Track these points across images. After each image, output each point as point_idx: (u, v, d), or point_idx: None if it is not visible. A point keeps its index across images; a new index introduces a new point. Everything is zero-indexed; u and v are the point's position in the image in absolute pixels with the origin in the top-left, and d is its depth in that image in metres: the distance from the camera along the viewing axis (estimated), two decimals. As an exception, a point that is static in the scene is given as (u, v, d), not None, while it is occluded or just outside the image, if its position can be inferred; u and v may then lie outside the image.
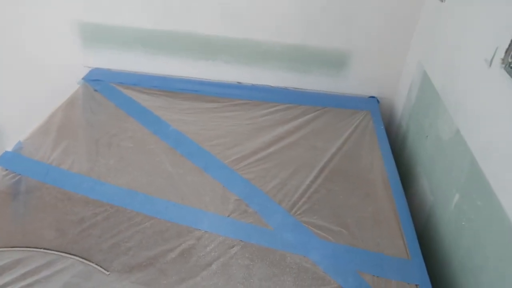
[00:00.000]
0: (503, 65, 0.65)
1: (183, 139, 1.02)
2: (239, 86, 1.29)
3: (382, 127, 1.11)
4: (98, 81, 1.24)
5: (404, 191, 0.90)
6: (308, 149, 1.02)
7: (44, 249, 0.73)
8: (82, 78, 1.25)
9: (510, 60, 0.64)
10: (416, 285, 0.68)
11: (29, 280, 0.65)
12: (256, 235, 0.76)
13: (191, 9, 1.22)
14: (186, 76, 1.31)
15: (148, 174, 0.90)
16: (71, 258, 0.72)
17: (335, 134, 1.07)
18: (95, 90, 1.20)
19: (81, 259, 0.72)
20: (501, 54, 0.66)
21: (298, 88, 1.29)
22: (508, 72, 0.64)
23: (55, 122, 1.03)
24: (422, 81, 1.04)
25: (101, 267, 0.71)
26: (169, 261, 0.72)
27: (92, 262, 0.71)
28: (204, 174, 0.91)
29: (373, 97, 1.27)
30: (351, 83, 1.28)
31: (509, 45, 0.64)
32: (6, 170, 0.86)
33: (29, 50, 1.33)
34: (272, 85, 1.30)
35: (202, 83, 1.28)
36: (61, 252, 0.73)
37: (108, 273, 0.70)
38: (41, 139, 0.97)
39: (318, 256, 0.72)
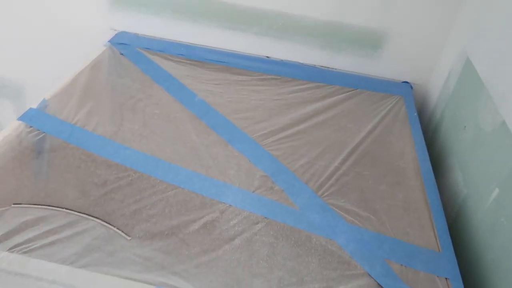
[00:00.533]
0: None
1: (209, 110, 0.99)
2: (268, 61, 1.25)
3: (415, 114, 1.07)
4: (124, 45, 1.21)
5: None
6: (337, 130, 0.98)
7: (67, 209, 0.72)
8: (109, 41, 1.22)
9: None
10: (446, 278, 0.65)
11: (51, 239, 0.65)
12: (282, 214, 0.74)
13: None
14: (214, 46, 1.27)
15: (173, 143, 0.88)
16: (92, 220, 0.71)
17: (365, 117, 1.03)
18: (121, 54, 1.17)
19: (103, 222, 0.70)
20: None
21: (328, 67, 1.25)
22: None
23: (80, 83, 1.01)
24: (464, 68, 0.99)
25: (122, 231, 0.69)
26: (192, 232, 0.70)
27: (114, 226, 0.70)
28: (229, 147, 0.89)
29: (406, 82, 1.22)
30: (384, 66, 1.23)
31: None
32: (31, 127, 0.84)
33: (55, 11, 1.30)
34: (302, 62, 1.25)
35: (230, 54, 1.24)
36: (83, 213, 0.72)
37: (129, 238, 0.68)
38: (66, 99, 0.95)
39: (345, 240, 0.70)
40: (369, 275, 0.65)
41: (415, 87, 1.23)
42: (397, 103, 1.11)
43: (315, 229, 0.72)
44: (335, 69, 1.24)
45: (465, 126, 0.91)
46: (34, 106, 0.90)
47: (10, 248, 0.61)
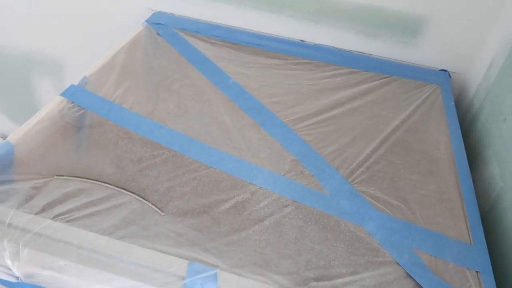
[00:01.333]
0: None
1: (242, 93, 1.00)
2: (302, 45, 1.24)
3: (452, 103, 1.04)
4: (161, 25, 1.23)
5: (469, 173, 0.84)
6: (370, 117, 0.97)
7: (105, 183, 0.75)
8: (146, 21, 1.24)
9: None
10: (477, 271, 0.65)
11: (91, 210, 0.68)
12: (311, 198, 0.75)
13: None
14: (250, 29, 1.26)
15: (206, 124, 0.90)
16: (128, 195, 0.74)
17: (400, 105, 1.01)
18: (158, 34, 1.19)
19: (138, 197, 0.73)
20: None
21: (364, 53, 1.22)
22: None
23: (118, 61, 1.04)
24: (509, 56, 0.95)
25: (156, 207, 0.72)
26: (222, 211, 0.72)
27: (149, 202, 0.73)
28: (261, 130, 0.90)
29: (444, 70, 1.18)
30: (422, 53, 1.19)
31: None
32: (72, 103, 0.88)
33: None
34: (337, 46, 1.23)
35: (265, 37, 1.23)
36: (120, 188, 0.75)
37: (163, 214, 0.71)
38: (104, 77, 0.98)
39: (374, 228, 0.70)
40: (397, 263, 0.65)
41: (454, 75, 1.19)
42: (434, 91, 1.08)
43: (344, 215, 0.72)
44: (371, 54, 1.22)
45: (505, 118, 0.88)
46: (73, 82, 0.93)
47: (54, 217, 0.65)
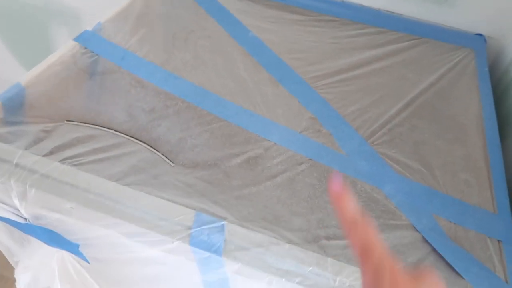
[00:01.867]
0: None
1: (261, 47, 0.95)
2: (328, 1, 1.16)
3: (486, 69, 0.97)
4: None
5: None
6: (396, 78, 0.92)
7: (115, 130, 0.73)
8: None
9: None
10: (499, 240, 0.61)
11: (100, 156, 0.66)
12: (327, 157, 0.71)
13: None
14: (272, -18, 1.20)
15: (222, 77, 0.86)
16: (139, 144, 0.72)
17: (429, 68, 0.95)
18: (177, -16, 1.13)
19: (148, 147, 0.71)
20: None
21: (393, 12, 1.15)
22: None
23: (134, 9, 1.00)
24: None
25: (166, 157, 0.70)
26: (234, 166, 0.69)
27: (159, 152, 0.71)
28: (279, 86, 0.86)
29: (480, 34, 1.10)
30: (456, 15, 1.11)
31: None
32: (85, 48, 0.85)
33: None
34: (365, 4, 1.16)
35: (288, -9, 1.16)
36: (130, 136, 0.73)
37: (173, 164, 0.69)
38: (120, 24, 0.94)
39: (392, 190, 0.67)
40: (414, 227, 0.62)
41: (490, 40, 1.10)
42: (467, 56, 1.00)
43: (361, 175, 0.69)
44: (401, 14, 1.14)
45: (544, 85, 0.81)
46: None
47: (62, 160, 0.64)
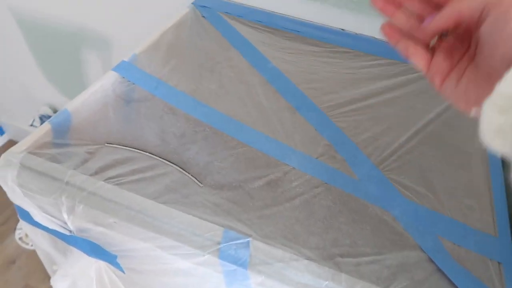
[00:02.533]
0: None
1: (280, 77, 1.03)
2: (342, 33, 1.25)
3: (491, 100, 1.03)
4: (206, 8, 1.27)
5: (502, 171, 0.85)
6: (405, 108, 0.99)
7: (150, 153, 0.81)
8: (192, 3, 1.29)
9: None
10: (499, 263, 0.67)
11: (138, 176, 0.74)
12: (341, 181, 0.78)
13: None
14: (290, 15, 1.29)
15: (245, 104, 0.94)
16: (171, 165, 0.80)
17: (437, 99, 1.02)
18: (203, 16, 1.23)
19: (179, 169, 0.79)
20: None
21: (404, 45, 1.22)
22: None
23: (165, 40, 1.09)
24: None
25: (196, 179, 0.78)
26: (256, 188, 0.77)
27: (189, 173, 0.78)
28: (296, 113, 0.93)
29: (486, 66, 1.17)
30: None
31: None
32: (123, 77, 0.94)
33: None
34: (377, 37, 1.24)
35: (305, 24, 1.26)
36: (163, 159, 0.81)
37: (201, 185, 0.77)
38: (152, 55, 1.04)
39: (400, 213, 0.73)
40: (420, 247, 0.68)
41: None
42: (473, 87, 1.07)
43: (372, 199, 0.76)
44: (411, 47, 1.21)
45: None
46: (119, 57, 0.99)
47: (106, 179, 0.72)
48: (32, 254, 1.57)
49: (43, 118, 1.82)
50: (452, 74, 0.45)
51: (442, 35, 0.45)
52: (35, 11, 1.61)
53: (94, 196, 0.68)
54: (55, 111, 1.90)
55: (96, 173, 0.73)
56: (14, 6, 1.62)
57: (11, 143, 2.03)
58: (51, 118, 0.81)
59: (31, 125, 1.84)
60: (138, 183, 0.73)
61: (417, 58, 0.46)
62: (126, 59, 0.99)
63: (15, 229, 1.65)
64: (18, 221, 1.65)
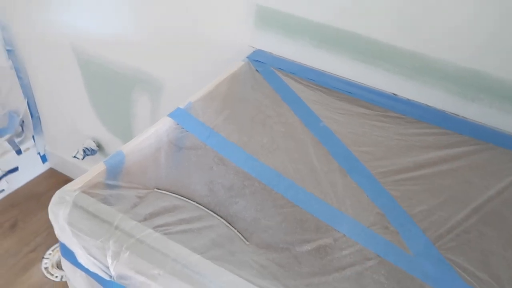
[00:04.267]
0: None
1: (331, 138, 1.02)
2: (394, 98, 1.24)
3: (555, 182, 0.97)
4: (260, 63, 1.30)
5: None
6: (461, 182, 0.94)
7: (197, 203, 0.80)
8: (247, 57, 1.33)
9: None
10: None
11: (185, 227, 0.73)
12: (395, 256, 0.74)
13: (365, 10, 1.21)
14: (343, 76, 1.30)
15: (295, 162, 0.93)
16: (218, 218, 0.78)
17: (495, 175, 0.97)
18: (256, 71, 1.26)
19: (226, 223, 0.77)
20: None
21: (458, 115, 1.20)
22: None
23: (219, 91, 1.12)
24: None
25: (242, 235, 0.75)
26: (305, 252, 0.73)
27: (235, 229, 0.76)
28: (348, 177, 0.91)
29: (547, 145, 1.12)
30: (523, 124, 1.14)
31: None
32: (177, 124, 0.96)
33: (203, 23, 1.45)
34: (430, 105, 1.22)
35: (357, 86, 1.26)
36: (210, 210, 0.79)
37: (247, 243, 0.74)
38: (207, 104, 1.06)
39: (461, 300, 0.67)
40: None
41: (556, 152, 1.12)
42: (535, 167, 1.02)
43: (429, 280, 0.70)
44: (466, 118, 1.19)
45: None
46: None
47: (154, 227, 0.71)
48: (58, 285, 1.55)
49: (86, 151, 1.88)
50: None
51: None
52: (94, 52, 1.70)
53: (141, 244, 0.66)
54: (98, 145, 1.95)
55: (145, 219, 0.73)
56: (77, 46, 1.73)
57: (51, 171, 2.08)
58: (106, 159, 0.82)
59: (74, 156, 1.89)
60: (185, 234, 0.71)
61: None
62: (181, 106, 1.01)
63: (42, 258, 1.65)
64: (46, 250, 1.66)
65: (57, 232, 0.71)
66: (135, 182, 0.82)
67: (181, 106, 1.03)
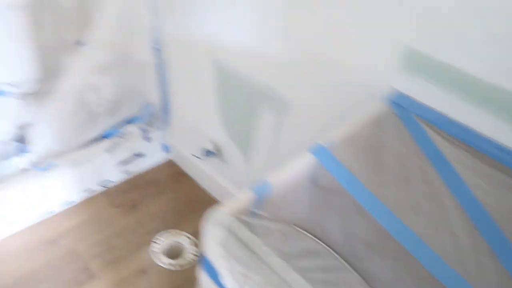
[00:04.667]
0: None
1: (480, 211, 0.94)
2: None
3: None
4: (400, 107, 1.26)
5: None
6: None
7: (335, 252, 0.80)
8: (387, 99, 1.28)
9: None
10: None
11: (324, 276, 0.73)
12: None
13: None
14: (492, 138, 1.19)
15: (438, 231, 0.87)
16: (354, 275, 0.76)
17: None
18: (396, 115, 1.22)
19: (362, 281, 0.75)
20: None
21: None
22: None
23: (360, 135, 1.10)
24: None
25: (378, 299, 0.73)
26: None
27: (371, 289, 0.74)
28: (497, 261, 0.83)
29: None
30: None
31: None
32: (317, 161, 0.96)
33: (343, 55, 1.44)
34: None
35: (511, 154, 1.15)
36: (346, 261, 0.78)
37: (383, 309, 0.71)
38: (347, 146, 1.05)
39: None
40: None
41: None
42: None
43: None
44: None
45: None
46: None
47: (295, 268, 0.72)
48: (162, 271, 1.67)
49: (206, 152, 1.99)
50: None
51: None
52: (231, 63, 1.80)
53: (285, 285, 0.67)
54: (215, 147, 2.06)
55: (289, 257, 0.74)
56: (218, 59, 1.84)
57: (170, 162, 2.26)
58: (255, 188, 0.85)
59: (194, 155, 2.02)
60: (326, 285, 0.71)
61: None
62: (320, 142, 1.01)
63: (152, 241, 1.78)
64: (157, 234, 1.79)
65: (207, 249, 0.76)
66: (274, 213, 0.85)
67: (321, 143, 1.02)
